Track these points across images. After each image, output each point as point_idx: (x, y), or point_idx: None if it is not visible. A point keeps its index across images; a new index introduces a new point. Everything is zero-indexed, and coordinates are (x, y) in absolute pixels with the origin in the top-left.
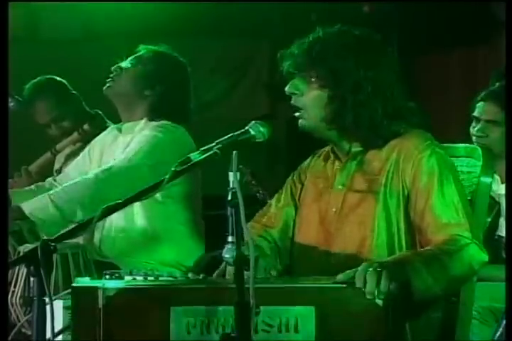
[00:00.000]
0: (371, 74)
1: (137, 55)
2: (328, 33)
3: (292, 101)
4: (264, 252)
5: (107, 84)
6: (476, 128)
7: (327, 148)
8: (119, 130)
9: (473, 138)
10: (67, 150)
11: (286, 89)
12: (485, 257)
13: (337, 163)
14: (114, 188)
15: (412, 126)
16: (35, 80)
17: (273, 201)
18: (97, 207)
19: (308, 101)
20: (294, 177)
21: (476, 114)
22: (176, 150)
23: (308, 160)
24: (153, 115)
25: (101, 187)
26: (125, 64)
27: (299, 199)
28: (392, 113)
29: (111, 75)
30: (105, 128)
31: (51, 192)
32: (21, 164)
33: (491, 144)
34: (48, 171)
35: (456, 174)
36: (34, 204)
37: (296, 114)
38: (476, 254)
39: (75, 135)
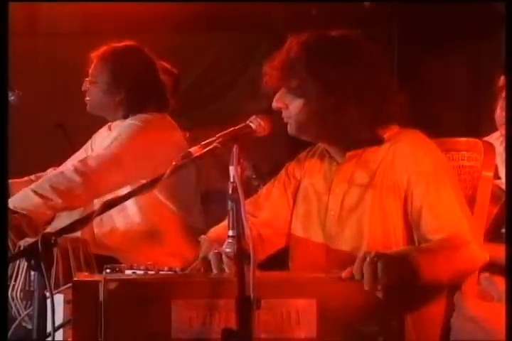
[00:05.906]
0: (353, 73)
1: (92, 68)
2: (299, 42)
3: (283, 114)
4: None
5: (88, 104)
6: None
7: (321, 147)
8: (109, 128)
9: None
10: None
11: (273, 104)
12: (486, 256)
13: (334, 164)
14: (95, 178)
15: (401, 118)
16: None
17: (263, 191)
18: (77, 196)
19: (294, 110)
20: (289, 171)
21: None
22: (156, 133)
23: (303, 156)
24: (132, 113)
25: (81, 179)
26: (89, 82)
27: (293, 196)
28: (383, 109)
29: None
30: None
31: (32, 185)
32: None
33: None
34: None
35: (451, 172)
36: (16, 197)
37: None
38: (478, 252)
39: None
